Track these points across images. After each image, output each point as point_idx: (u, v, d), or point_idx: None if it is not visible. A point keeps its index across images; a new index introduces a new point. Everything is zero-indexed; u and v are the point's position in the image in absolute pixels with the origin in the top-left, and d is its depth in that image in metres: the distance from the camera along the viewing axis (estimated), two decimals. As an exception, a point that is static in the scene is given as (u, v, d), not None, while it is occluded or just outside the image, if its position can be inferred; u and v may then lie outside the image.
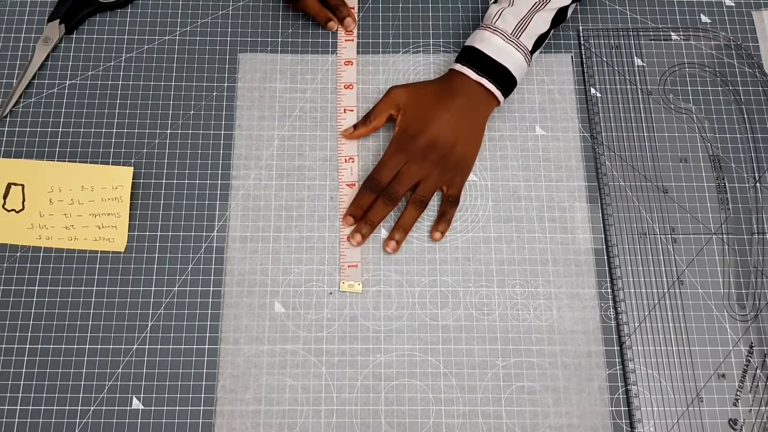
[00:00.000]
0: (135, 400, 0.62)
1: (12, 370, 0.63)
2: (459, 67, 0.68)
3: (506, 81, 0.67)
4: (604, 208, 0.69)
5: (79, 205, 0.67)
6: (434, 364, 0.64)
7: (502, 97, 0.67)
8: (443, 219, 0.67)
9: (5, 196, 0.67)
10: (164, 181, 0.69)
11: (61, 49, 0.74)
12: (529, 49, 0.67)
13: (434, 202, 0.68)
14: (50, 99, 0.72)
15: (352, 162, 0.70)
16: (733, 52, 0.75)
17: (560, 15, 0.68)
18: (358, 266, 0.66)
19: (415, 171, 0.66)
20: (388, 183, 0.66)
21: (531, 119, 0.72)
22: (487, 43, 0.66)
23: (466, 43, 0.69)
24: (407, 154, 0.66)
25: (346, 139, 0.70)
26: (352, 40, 0.74)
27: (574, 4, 0.70)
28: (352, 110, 0.71)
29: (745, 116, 0.72)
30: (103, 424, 0.61)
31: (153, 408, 0.62)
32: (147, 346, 0.64)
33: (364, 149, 0.71)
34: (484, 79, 0.66)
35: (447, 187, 0.67)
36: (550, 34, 0.69)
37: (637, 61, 0.74)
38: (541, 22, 0.67)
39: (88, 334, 0.64)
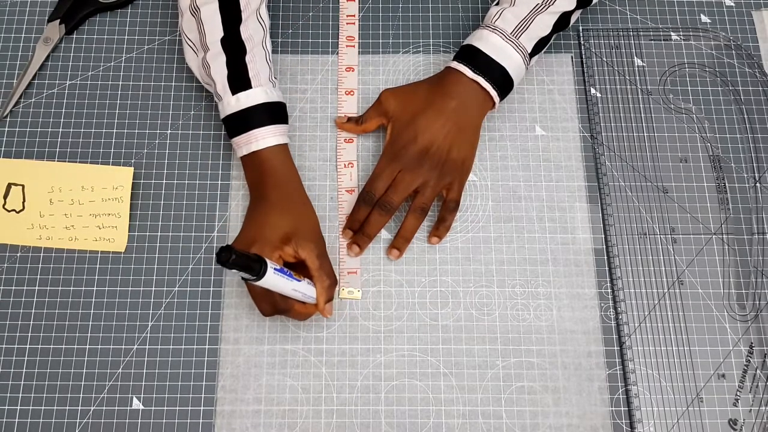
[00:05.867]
0: (135, 400, 0.62)
1: (12, 370, 0.63)
2: (455, 64, 0.66)
3: (503, 82, 0.66)
4: (604, 208, 0.68)
5: (80, 206, 0.67)
6: (434, 364, 0.64)
7: (498, 98, 0.66)
8: (442, 225, 0.67)
9: (5, 196, 0.67)
10: (164, 181, 0.69)
11: (61, 49, 0.74)
12: (529, 52, 0.66)
13: (435, 204, 0.68)
14: (50, 99, 0.72)
15: (352, 167, 0.70)
16: (733, 52, 0.75)
17: (562, 21, 0.67)
18: (358, 273, 0.66)
19: (409, 180, 0.65)
20: (383, 193, 0.65)
21: (531, 119, 0.72)
22: (485, 41, 0.65)
23: (464, 42, 0.68)
24: (400, 163, 0.65)
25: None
26: (354, 45, 0.74)
27: (579, 11, 0.69)
28: (352, 116, 0.71)
29: (745, 116, 0.72)
30: (103, 424, 0.61)
31: (153, 408, 0.62)
32: (147, 346, 0.64)
33: (363, 157, 0.71)
34: (480, 77, 0.65)
35: (447, 191, 0.66)
36: (551, 40, 0.68)
37: (637, 61, 0.74)
38: (543, 26, 0.66)
39: (88, 334, 0.64)
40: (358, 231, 0.66)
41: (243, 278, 0.54)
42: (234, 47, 0.64)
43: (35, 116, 0.71)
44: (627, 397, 0.63)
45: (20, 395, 0.62)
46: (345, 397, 0.63)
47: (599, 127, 0.72)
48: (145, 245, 0.67)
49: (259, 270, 0.53)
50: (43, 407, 0.62)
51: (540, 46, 0.67)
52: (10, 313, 0.65)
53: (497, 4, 0.68)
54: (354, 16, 0.76)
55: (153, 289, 0.65)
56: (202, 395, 0.62)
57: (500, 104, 0.68)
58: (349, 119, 0.70)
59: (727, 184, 0.70)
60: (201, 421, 0.61)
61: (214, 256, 0.50)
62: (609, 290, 0.66)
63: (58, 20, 0.74)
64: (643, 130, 0.71)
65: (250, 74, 0.64)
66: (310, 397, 0.62)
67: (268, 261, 0.54)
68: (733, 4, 0.77)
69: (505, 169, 0.70)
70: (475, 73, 0.65)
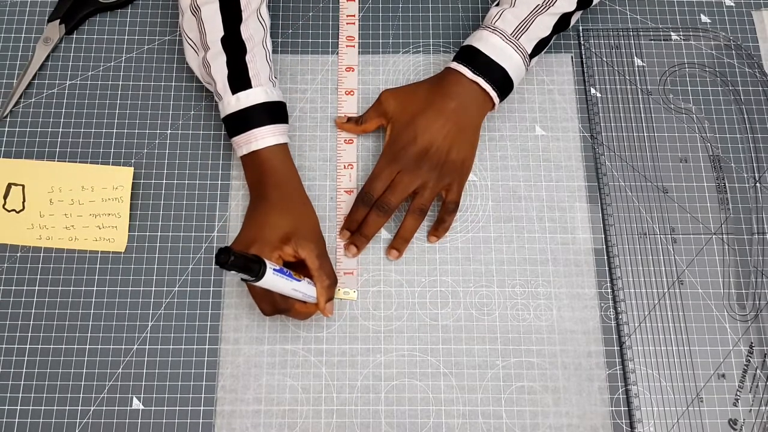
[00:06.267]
0: (135, 400, 0.62)
1: (12, 370, 0.63)
2: (455, 65, 0.66)
3: (503, 83, 0.65)
4: (604, 208, 0.69)
5: (80, 206, 0.67)
6: (434, 364, 0.64)
7: (498, 99, 0.66)
8: (441, 226, 0.67)
9: (5, 196, 0.67)
10: (164, 181, 0.69)
11: (61, 49, 0.74)
12: (529, 53, 0.66)
13: (436, 203, 0.68)
14: (50, 99, 0.72)
15: (351, 168, 0.70)
16: (733, 52, 0.75)
17: (563, 22, 0.67)
18: (354, 273, 0.66)
19: (408, 181, 0.64)
20: (382, 194, 0.65)
21: (531, 119, 0.72)
22: (485, 42, 0.65)
23: (464, 43, 0.68)
24: (399, 164, 0.65)
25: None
26: (354, 45, 0.74)
27: (579, 12, 0.68)
28: (352, 116, 0.71)
29: (745, 116, 0.72)
30: (103, 424, 0.61)
31: (153, 408, 0.62)
32: (147, 346, 0.64)
33: (363, 158, 0.71)
34: (480, 78, 0.65)
35: (446, 192, 0.66)
36: (551, 41, 0.68)
37: (637, 61, 0.74)
38: (543, 27, 0.66)
39: (88, 334, 0.64)
40: (356, 231, 0.66)
41: (242, 279, 0.54)
42: (234, 47, 0.64)
43: (35, 116, 0.71)
44: (627, 397, 0.63)
45: (20, 395, 0.62)
46: (345, 397, 0.63)
47: (599, 127, 0.72)
48: (145, 245, 0.67)
49: (258, 271, 0.53)
50: (43, 407, 0.62)
51: (540, 47, 0.67)
52: (10, 313, 0.65)
53: (497, 4, 0.68)
54: (354, 16, 0.76)
55: (153, 289, 0.65)
56: (202, 395, 0.62)
57: (500, 105, 0.68)
58: (349, 119, 0.70)
59: (727, 184, 0.70)
60: (201, 421, 0.61)
61: (214, 257, 0.50)
62: (609, 290, 0.66)
63: (58, 20, 0.74)
64: (643, 130, 0.71)
65: (250, 74, 0.64)
66: (310, 397, 0.62)
67: (267, 261, 0.54)
68: (733, 4, 0.77)
69: (505, 169, 0.70)
70: (475, 74, 0.65)
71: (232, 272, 0.52)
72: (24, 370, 0.63)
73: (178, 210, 0.68)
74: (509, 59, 0.65)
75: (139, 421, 0.61)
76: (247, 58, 0.64)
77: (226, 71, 0.64)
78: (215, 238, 0.67)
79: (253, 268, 0.53)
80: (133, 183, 0.67)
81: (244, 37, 0.64)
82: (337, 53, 0.74)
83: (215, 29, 0.64)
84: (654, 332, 0.64)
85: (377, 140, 0.71)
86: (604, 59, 0.74)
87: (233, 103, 0.63)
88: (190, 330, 0.64)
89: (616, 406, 0.63)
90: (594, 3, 0.68)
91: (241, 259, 0.52)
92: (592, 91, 0.73)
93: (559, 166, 0.70)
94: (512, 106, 0.72)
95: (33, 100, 0.72)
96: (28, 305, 0.65)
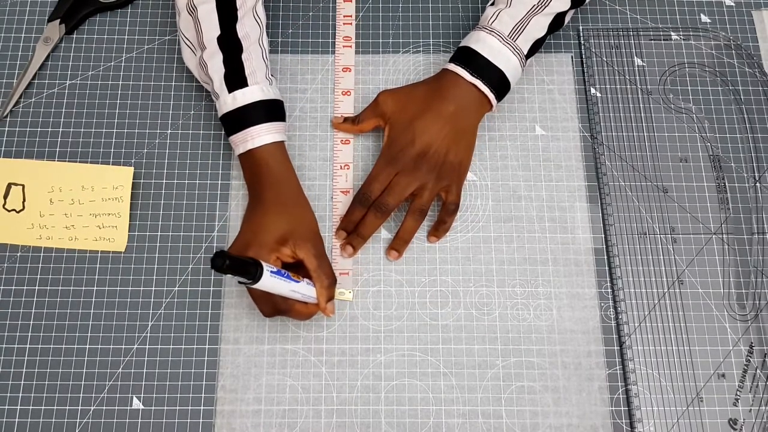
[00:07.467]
0: (135, 400, 0.62)
1: (12, 370, 0.63)
2: (452, 66, 0.66)
3: (500, 84, 0.65)
4: (604, 208, 0.69)
5: (80, 205, 0.67)
6: (434, 364, 0.64)
7: (495, 101, 0.66)
8: (442, 227, 0.67)
9: (5, 196, 0.67)
10: (164, 181, 0.69)
11: (61, 49, 0.74)
12: (525, 54, 0.66)
13: (436, 204, 0.68)
14: (50, 99, 0.72)
15: (347, 169, 0.70)
16: (733, 52, 0.75)
17: (557, 21, 0.67)
18: (350, 274, 0.66)
19: (406, 182, 0.64)
20: (380, 195, 0.65)
21: (531, 119, 0.72)
22: (483, 43, 0.65)
23: (461, 44, 0.67)
24: (397, 166, 0.65)
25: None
26: (350, 46, 0.74)
27: (572, 11, 0.68)
28: (349, 116, 0.71)
29: (745, 116, 0.72)
30: (103, 424, 0.61)
31: (153, 408, 0.62)
32: (147, 346, 0.64)
33: (363, 157, 0.71)
34: (478, 80, 0.65)
35: (445, 194, 0.66)
36: (545, 41, 0.68)
37: (637, 61, 0.74)
38: (538, 27, 0.66)
39: (88, 334, 0.64)
40: (353, 232, 0.66)
41: (239, 282, 0.54)
42: (230, 45, 0.64)
43: (35, 116, 0.71)
44: (627, 397, 0.63)
45: (20, 395, 0.62)
46: (345, 397, 0.63)
47: (599, 127, 0.72)
48: (145, 245, 0.67)
49: (255, 273, 0.53)
50: (43, 407, 0.62)
51: (535, 47, 0.67)
52: (10, 313, 0.65)
53: (492, 4, 0.68)
54: (351, 16, 0.76)
55: (153, 289, 0.65)
56: (202, 395, 0.62)
57: (498, 105, 0.68)
58: (346, 119, 0.70)
59: (727, 184, 0.70)
60: (201, 421, 0.61)
61: (210, 261, 0.50)
62: (609, 290, 0.66)
63: (58, 20, 0.74)
64: (643, 130, 0.71)
65: (246, 72, 0.64)
66: (310, 397, 0.63)
67: (264, 263, 0.54)
68: (733, 4, 0.77)
69: (505, 169, 0.70)
70: (473, 76, 0.65)
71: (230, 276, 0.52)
72: (24, 370, 0.63)
73: (178, 210, 0.68)
74: (507, 61, 0.65)
75: (139, 421, 0.61)
76: (243, 56, 0.64)
77: (222, 70, 0.64)
78: (215, 238, 0.67)
79: (250, 270, 0.53)
80: (133, 183, 0.67)
81: (239, 36, 0.64)
82: (334, 54, 0.74)
83: (211, 28, 0.64)
84: (654, 332, 0.64)
85: (376, 140, 0.71)
86: (604, 59, 0.74)
87: (229, 101, 0.64)
88: (190, 330, 0.64)
89: (616, 406, 0.63)
90: (586, 1, 0.68)
91: (237, 262, 0.51)
92: (592, 90, 0.73)
93: (559, 166, 0.70)
94: (512, 106, 0.72)
95: (33, 100, 0.72)
96: (28, 305, 0.65)
